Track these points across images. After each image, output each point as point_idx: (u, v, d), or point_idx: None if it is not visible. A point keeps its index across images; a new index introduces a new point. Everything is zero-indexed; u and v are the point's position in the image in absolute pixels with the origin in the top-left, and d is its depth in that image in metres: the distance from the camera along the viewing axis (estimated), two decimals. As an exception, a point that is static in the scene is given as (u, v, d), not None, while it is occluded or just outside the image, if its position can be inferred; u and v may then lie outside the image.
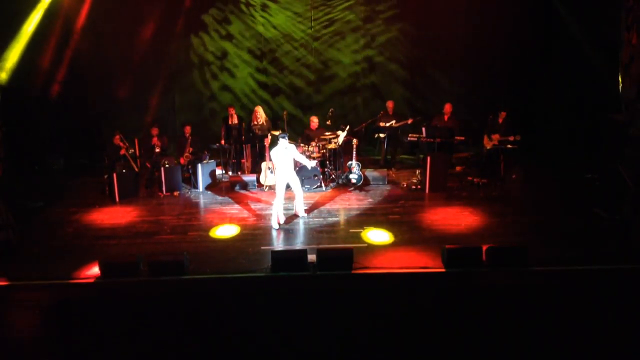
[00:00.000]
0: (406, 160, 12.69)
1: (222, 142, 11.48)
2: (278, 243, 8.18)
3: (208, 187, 10.77)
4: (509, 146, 10.49)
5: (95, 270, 7.02)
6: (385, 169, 11.42)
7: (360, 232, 8.37)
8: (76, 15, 12.08)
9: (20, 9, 11.29)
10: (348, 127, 11.11)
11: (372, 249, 7.76)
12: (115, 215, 9.40)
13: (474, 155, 11.87)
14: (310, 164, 9.62)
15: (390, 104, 11.92)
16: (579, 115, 11.10)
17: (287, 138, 8.70)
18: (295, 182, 8.92)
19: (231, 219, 9.07)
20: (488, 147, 10.99)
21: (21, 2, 11.28)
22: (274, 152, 8.70)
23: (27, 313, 6.82)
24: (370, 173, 11.03)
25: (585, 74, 10.87)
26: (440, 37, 12.79)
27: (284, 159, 8.67)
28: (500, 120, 10.93)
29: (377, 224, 8.71)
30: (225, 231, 8.61)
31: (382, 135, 11.83)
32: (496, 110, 11.03)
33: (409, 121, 11.55)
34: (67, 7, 11.98)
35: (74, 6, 12.02)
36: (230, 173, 11.63)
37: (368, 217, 9.06)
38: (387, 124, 11.61)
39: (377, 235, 8.29)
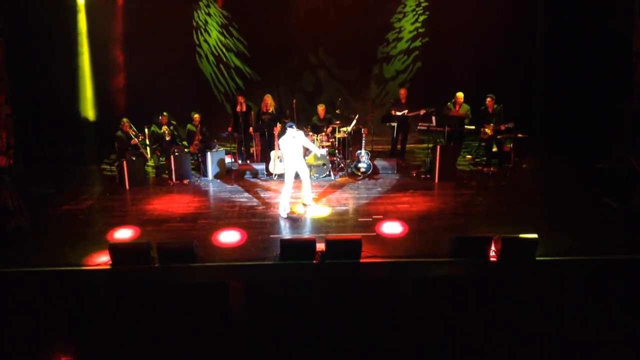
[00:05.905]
0: (416, 149, 12.65)
1: (230, 129, 11.49)
2: (286, 232, 8.20)
3: (217, 176, 10.79)
4: (519, 135, 10.42)
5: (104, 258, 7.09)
6: (395, 158, 11.37)
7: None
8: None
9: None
10: (357, 115, 11.05)
11: (381, 238, 7.77)
12: (125, 203, 9.46)
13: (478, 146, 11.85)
14: (320, 151, 9.58)
15: (403, 92, 11.56)
16: (589, 104, 11.00)
17: (294, 126, 8.67)
18: (303, 170, 8.90)
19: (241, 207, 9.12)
20: (485, 138, 10.96)
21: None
22: (282, 141, 8.67)
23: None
24: (380, 162, 10.98)
25: (597, 62, 10.75)
26: (454, 25, 12.69)
27: (293, 148, 8.65)
28: (490, 110, 10.85)
29: (385, 213, 8.71)
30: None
31: (393, 124, 11.54)
32: (483, 100, 10.96)
33: (422, 112, 11.21)
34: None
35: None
36: (239, 161, 11.65)
37: (377, 206, 9.04)
38: (400, 113, 11.37)
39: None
